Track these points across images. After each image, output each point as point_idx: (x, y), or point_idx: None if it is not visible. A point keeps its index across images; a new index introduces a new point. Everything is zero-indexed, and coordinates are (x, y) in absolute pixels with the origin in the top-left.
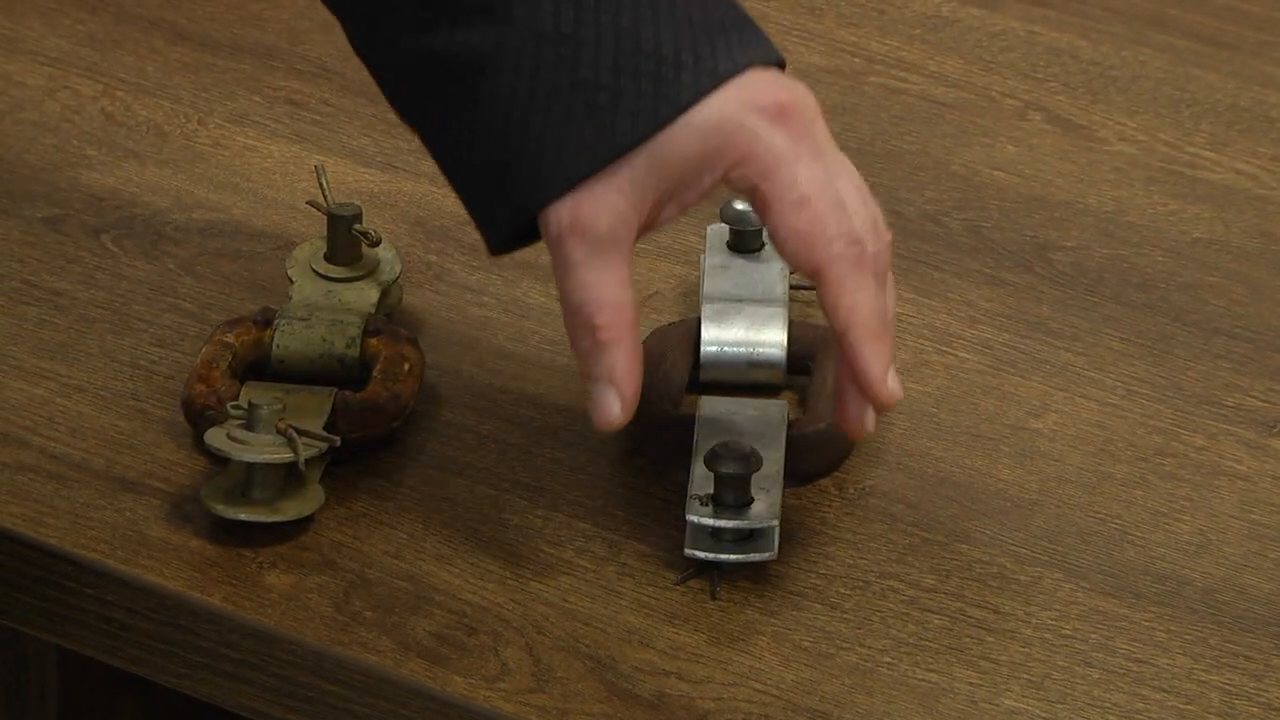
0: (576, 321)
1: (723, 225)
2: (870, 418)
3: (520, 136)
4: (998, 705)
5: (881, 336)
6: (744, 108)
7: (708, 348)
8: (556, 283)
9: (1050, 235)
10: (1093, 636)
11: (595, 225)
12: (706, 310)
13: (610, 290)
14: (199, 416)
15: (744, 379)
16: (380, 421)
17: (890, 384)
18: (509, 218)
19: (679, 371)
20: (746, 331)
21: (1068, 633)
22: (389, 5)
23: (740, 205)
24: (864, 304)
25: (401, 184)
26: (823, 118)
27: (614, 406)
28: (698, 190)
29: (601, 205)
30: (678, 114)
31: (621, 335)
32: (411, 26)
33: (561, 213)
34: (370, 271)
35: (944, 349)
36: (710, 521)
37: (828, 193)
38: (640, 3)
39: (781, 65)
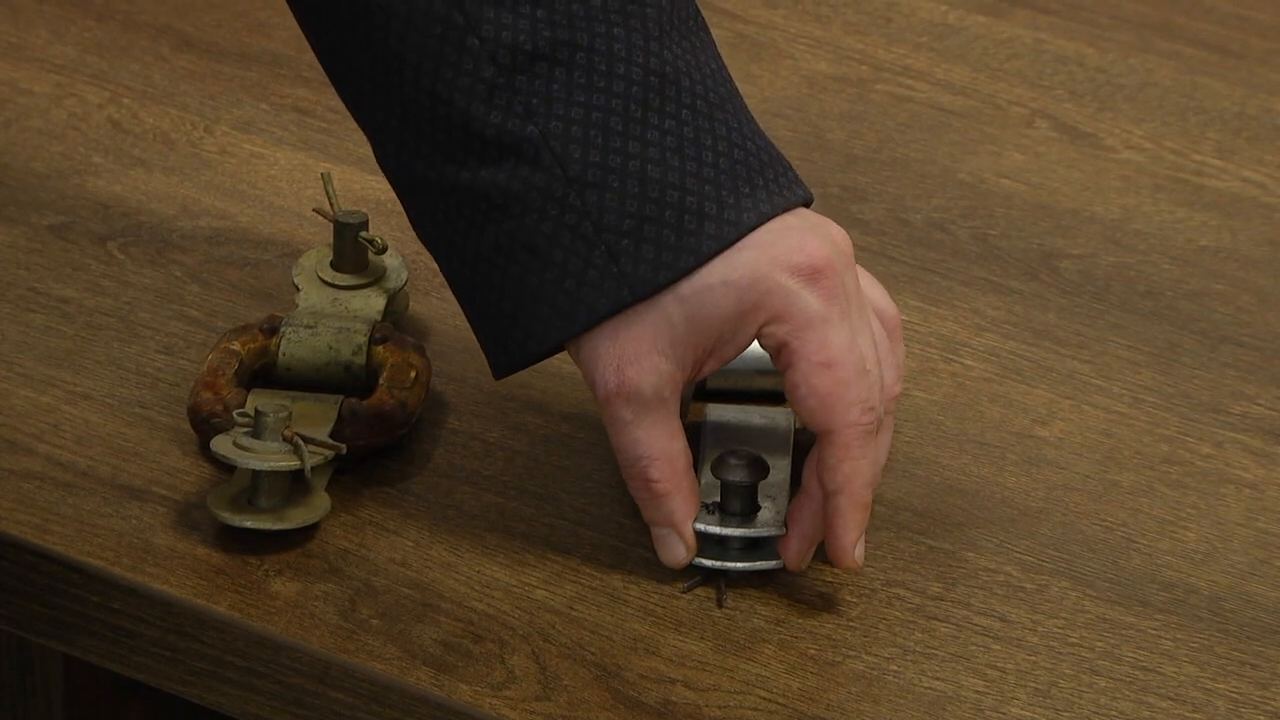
0: (632, 474)
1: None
2: (807, 560)
3: (540, 275)
4: (1004, 713)
5: (864, 507)
6: (777, 266)
7: None
8: (610, 437)
9: (1057, 243)
10: (1099, 645)
11: (640, 387)
12: None
13: (660, 444)
14: (205, 424)
15: (750, 387)
16: (386, 429)
17: (856, 553)
18: (524, 352)
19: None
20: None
21: (1074, 641)
22: (417, 132)
23: None
24: (861, 473)
25: None
26: (854, 266)
27: (678, 549)
28: (735, 345)
29: (646, 368)
30: (699, 264)
31: (676, 484)
32: (438, 157)
33: (609, 377)
34: (377, 279)
35: (950, 357)
36: (717, 529)
37: (852, 356)
38: (667, 149)
39: (809, 203)
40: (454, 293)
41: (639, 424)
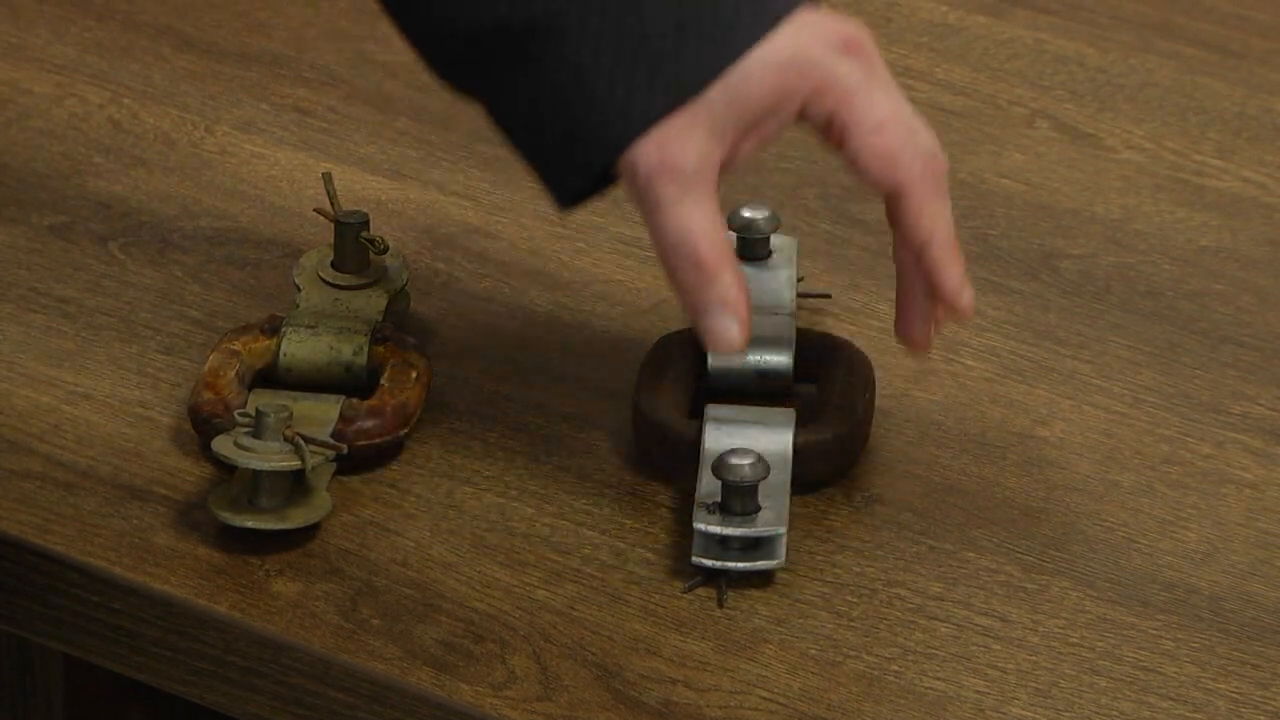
0: (679, 256)
1: (730, 233)
2: (932, 335)
3: (591, 90)
4: (1005, 713)
5: (956, 251)
6: (815, 42)
7: (715, 356)
8: (648, 224)
9: (1057, 243)
10: (1100, 645)
11: (683, 163)
12: None
13: (706, 222)
14: (206, 424)
15: (751, 387)
16: (387, 429)
17: (965, 296)
18: (586, 168)
19: (686, 379)
20: (754, 339)
21: (1075, 641)
22: None
23: (748, 213)
24: (943, 221)
25: (409, 191)
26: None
27: (733, 329)
28: (776, 122)
29: (687, 144)
30: (738, 57)
31: (726, 262)
32: (470, 1)
33: (650, 154)
34: (377, 279)
35: (951, 357)
36: (717, 529)
37: (901, 116)
38: None
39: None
40: (501, 132)
41: (683, 202)
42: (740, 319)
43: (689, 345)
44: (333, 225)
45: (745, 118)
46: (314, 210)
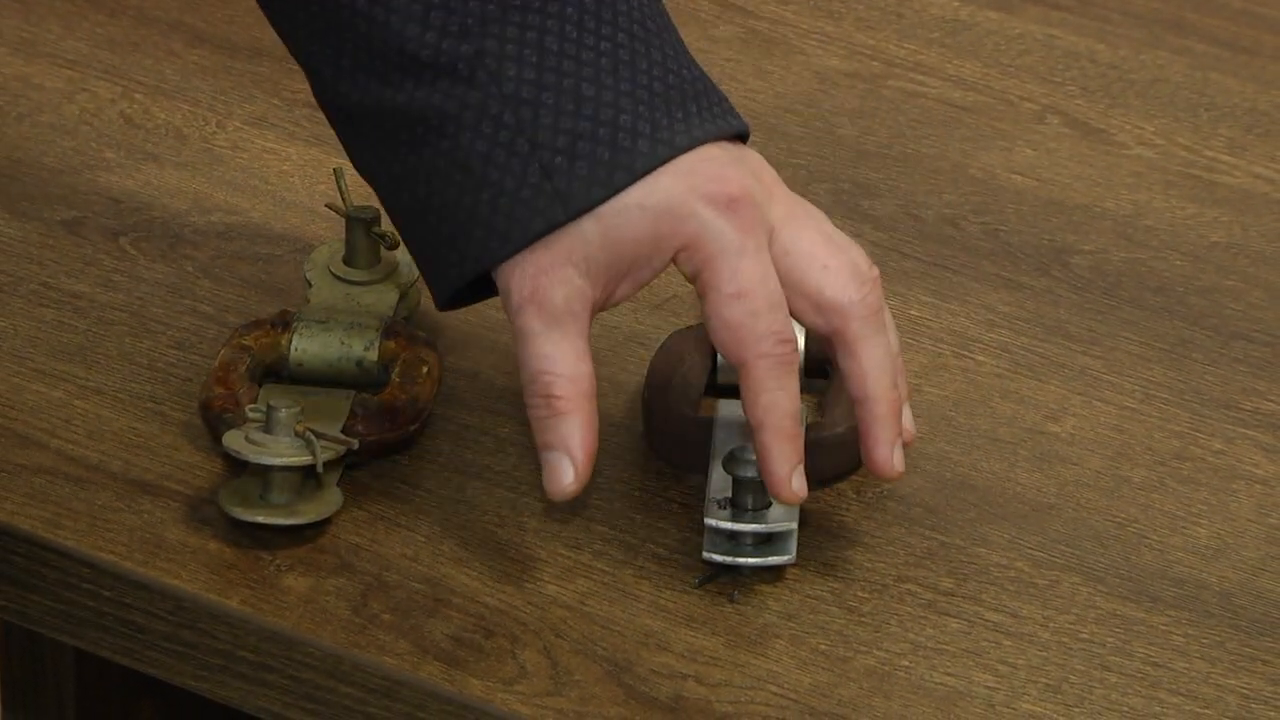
0: (534, 390)
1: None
2: (899, 459)
3: (475, 195)
4: (1015, 709)
5: (790, 438)
6: (694, 195)
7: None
8: (516, 353)
9: (1068, 239)
10: (1110, 640)
11: (551, 298)
12: None
13: (567, 361)
14: (217, 419)
15: None
16: (398, 424)
17: (793, 485)
18: (459, 274)
19: (696, 375)
20: None
21: (1085, 636)
22: (353, 59)
23: None
24: (780, 404)
25: None
26: (778, 198)
27: (567, 475)
28: (650, 270)
29: (557, 279)
30: (633, 181)
31: (577, 406)
32: (374, 82)
33: (523, 285)
34: (389, 274)
35: (962, 353)
36: (728, 525)
37: (765, 288)
38: (601, 69)
39: (744, 136)
40: (394, 223)
41: (548, 337)
42: (576, 465)
43: (699, 341)
44: (344, 220)
45: (617, 262)
46: (325, 205)
